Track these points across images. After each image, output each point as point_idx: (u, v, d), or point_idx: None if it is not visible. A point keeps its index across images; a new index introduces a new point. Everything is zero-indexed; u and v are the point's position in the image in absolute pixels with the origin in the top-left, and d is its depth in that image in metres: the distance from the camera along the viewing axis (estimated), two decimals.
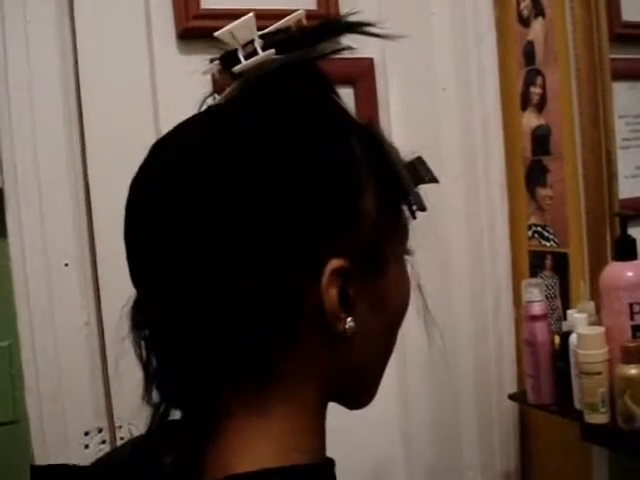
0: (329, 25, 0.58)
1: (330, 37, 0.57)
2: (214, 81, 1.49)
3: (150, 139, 1.51)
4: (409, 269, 0.61)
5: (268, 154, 0.54)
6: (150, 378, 0.60)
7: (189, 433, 0.58)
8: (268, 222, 0.53)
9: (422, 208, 0.59)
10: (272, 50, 0.56)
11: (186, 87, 1.51)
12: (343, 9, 1.58)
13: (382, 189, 0.57)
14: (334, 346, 0.56)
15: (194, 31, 1.50)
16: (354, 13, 0.57)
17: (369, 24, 0.57)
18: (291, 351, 0.56)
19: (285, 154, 0.54)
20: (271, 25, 1.59)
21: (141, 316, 0.60)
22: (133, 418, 1.46)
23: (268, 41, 0.57)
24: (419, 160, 0.60)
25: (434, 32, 1.73)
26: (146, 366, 0.59)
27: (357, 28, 0.57)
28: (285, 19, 0.57)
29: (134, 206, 0.59)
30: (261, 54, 0.56)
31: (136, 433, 1.47)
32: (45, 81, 1.43)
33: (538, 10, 1.64)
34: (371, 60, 1.64)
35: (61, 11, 1.43)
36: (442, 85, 1.74)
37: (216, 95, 0.58)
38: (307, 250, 0.54)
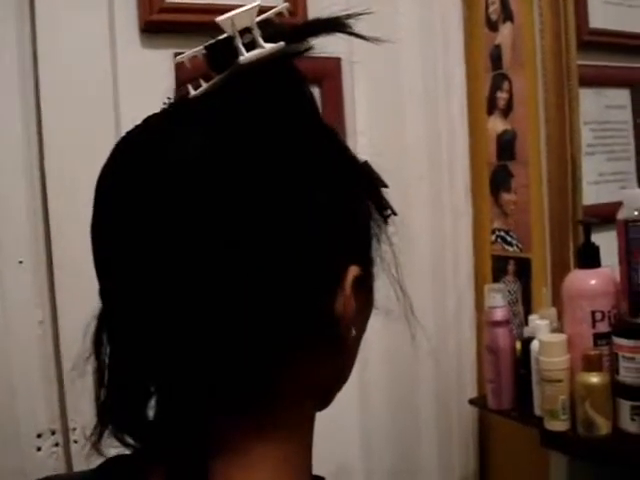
0: (323, 21, 0.55)
1: (322, 33, 0.55)
2: (177, 74, 1.48)
3: (110, 134, 1.49)
4: (393, 273, 0.59)
5: (277, 157, 0.51)
6: (112, 404, 0.55)
7: (173, 468, 0.52)
8: (285, 232, 0.50)
9: (394, 212, 0.57)
10: (282, 43, 0.53)
11: (148, 81, 1.50)
12: (311, 7, 1.56)
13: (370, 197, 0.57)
14: (333, 356, 0.55)
15: (158, 25, 1.47)
16: (348, 13, 0.56)
17: (346, 24, 0.55)
18: (295, 366, 0.53)
19: (294, 159, 0.52)
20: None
21: (111, 330, 0.54)
22: (88, 420, 1.43)
23: (267, 32, 0.54)
24: (367, 165, 0.58)
25: (401, 33, 1.72)
26: (111, 389, 0.55)
27: (347, 28, 0.55)
28: (273, 11, 0.54)
29: (112, 211, 0.53)
30: (270, 46, 0.52)
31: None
32: (3, 75, 1.38)
33: (507, 14, 1.64)
34: (338, 60, 1.63)
35: (21, 2, 1.39)
36: (408, 87, 1.73)
37: (190, 87, 0.54)
38: (328, 260, 0.52)
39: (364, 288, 0.55)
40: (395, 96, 1.72)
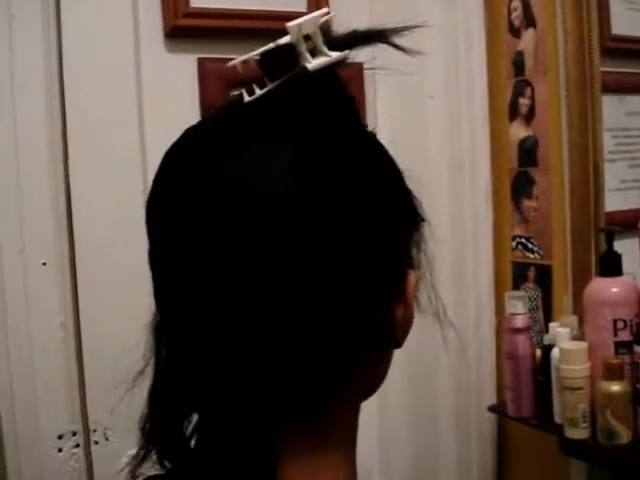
0: (373, 32, 0.55)
1: (371, 43, 0.55)
2: (201, 79, 1.49)
3: (135, 138, 1.50)
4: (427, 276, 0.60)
5: (355, 171, 0.52)
6: (161, 428, 0.55)
7: None
8: (364, 251, 0.51)
9: (424, 219, 0.58)
10: (346, 51, 0.53)
11: (172, 85, 1.51)
12: (334, 12, 1.56)
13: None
14: (386, 358, 0.57)
15: (182, 29, 1.49)
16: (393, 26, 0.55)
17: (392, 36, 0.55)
18: (356, 374, 0.53)
19: (368, 178, 0.53)
20: (261, 25, 1.56)
21: (173, 341, 0.54)
22: (108, 422, 1.44)
23: (332, 40, 0.53)
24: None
25: (424, 39, 1.72)
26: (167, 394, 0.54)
27: (392, 39, 0.55)
28: (319, 17, 0.53)
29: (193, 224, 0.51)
30: (336, 54, 0.52)
31: (111, 437, 1.45)
32: (28, 78, 1.39)
33: (529, 20, 1.64)
34: (360, 65, 1.62)
35: (47, 5, 1.40)
36: (430, 93, 1.73)
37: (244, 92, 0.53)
38: (397, 271, 0.54)
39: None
40: (417, 102, 1.72)
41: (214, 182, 0.50)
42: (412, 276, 0.55)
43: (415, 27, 0.55)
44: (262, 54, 0.53)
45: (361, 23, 0.57)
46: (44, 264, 1.40)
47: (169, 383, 0.55)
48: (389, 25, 0.55)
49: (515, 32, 1.68)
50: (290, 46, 0.51)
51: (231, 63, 0.56)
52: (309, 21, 0.52)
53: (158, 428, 0.55)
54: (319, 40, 0.52)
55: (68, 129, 1.42)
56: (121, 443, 1.45)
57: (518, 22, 1.67)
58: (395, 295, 0.54)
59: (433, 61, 1.71)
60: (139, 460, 0.55)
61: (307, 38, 0.52)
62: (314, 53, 0.52)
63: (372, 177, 0.53)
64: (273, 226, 0.48)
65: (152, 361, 0.57)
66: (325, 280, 0.49)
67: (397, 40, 0.55)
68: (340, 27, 0.56)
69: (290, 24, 0.51)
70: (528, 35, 1.65)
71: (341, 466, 0.54)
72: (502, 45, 1.72)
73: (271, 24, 1.52)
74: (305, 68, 0.51)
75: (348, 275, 0.49)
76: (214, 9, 1.49)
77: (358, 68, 1.63)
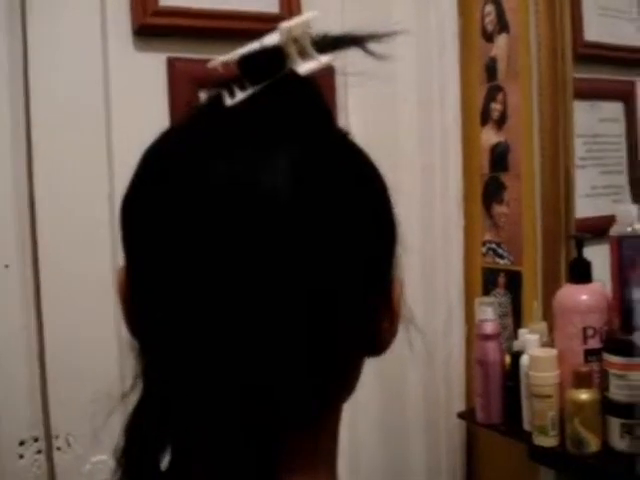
0: (352, 37, 0.54)
1: (349, 47, 0.54)
2: (170, 79, 1.46)
3: (101, 137, 1.47)
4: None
5: (349, 176, 0.52)
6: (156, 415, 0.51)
7: None
8: (363, 259, 0.51)
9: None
10: (331, 55, 0.52)
11: (140, 84, 1.49)
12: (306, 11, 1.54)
13: None
14: (359, 368, 0.56)
15: (151, 28, 1.46)
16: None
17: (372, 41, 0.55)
18: (349, 380, 0.55)
19: (363, 183, 0.53)
20: (232, 25, 1.54)
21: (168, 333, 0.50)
22: (71, 428, 1.41)
23: (320, 43, 0.53)
24: None
25: (397, 43, 1.70)
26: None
27: (372, 43, 0.55)
28: (309, 20, 0.52)
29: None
30: (324, 57, 0.52)
31: (73, 443, 1.42)
32: None
33: (502, 26, 1.63)
34: (331, 69, 1.61)
35: (12, 2, 1.37)
36: (403, 96, 1.71)
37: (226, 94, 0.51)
38: (381, 273, 0.53)
39: None
40: (389, 106, 1.70)
41: (204, 183, 0.48)
42: (397, 284, 0.55)
43: (393, 33, 0.55)
44: (245, 55, 0.51)
45: (333, 26, 0.56)
46: (6, 266, 1.37)
47: (151, 406, 0.51)
48: (366, 30, 0.54)
49: (488, 37, 1.68)
50: (276, 49, 0.50)
51: (211, 64, 0.54)
52: (299, 24, 0.51)
53: (136, 460, 0.51)
54: (307, 43, 0.51)
55: (32, 127, 1.39)
56: (84, 449, 1.42)
57: (491, 27, 1.67)
58: (382, 302, 0.54)
59: (406, 65, 1.70)
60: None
61: (294, 40, 0.51)
62: (302, 56, 0.51)
63: (363, 182, 0.53)
64: (267, 228, 0.47)
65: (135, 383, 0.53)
66: (314, 283, 0.48)
67: (373, 45, 0.54)
68: (313, 30, 0.55)
69: (282, 25, 0.50)
70: (501, 40, 1.64)
71: (332, 472, 0.55)
72: (475, 50, 1.71)
73: (242, 24, 1.51)
74: (294, 72, 0.50)
75: (338, 279, 0.49)
76: (184, 8, 1.46)
77: (329, 71, 1.62)
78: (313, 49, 0.51)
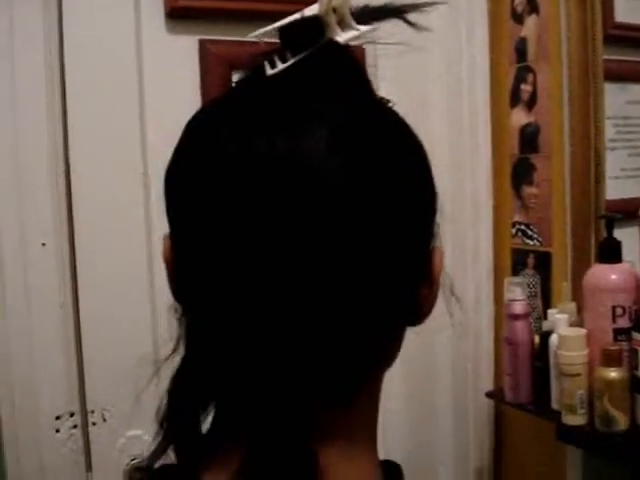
0: (396, 6, 0.55)
1: (393, 18, 0.55)
2: (202, 61, 1.48)
3: (135, 118, 1.50)
4: None
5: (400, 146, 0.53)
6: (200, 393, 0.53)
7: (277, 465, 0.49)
8: (405, 229, 0.51)
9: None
10: (372, 25, 0.53)
11: (173, 66, 1.50)
12: None
13: None
14: (400, 339, 0.56)
15: (183, 10, 1.48)
16: None
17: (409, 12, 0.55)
18: (390, 352, 0.55)
19: (404, 153, 0.53)
20: (262, 7, 1.56)
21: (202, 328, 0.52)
22: (106, 403, 1.44)
23: (359, 14, 0.53)
24: None
25: (427, 23, 1.71)
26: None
27: (411, 14, 0.55)
28: None
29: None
30: (364, 27, 0.52)
31: (109, 418, 1.45)
32: (29, 60, 1.38)
33: (532, 7, 1.63)
34: (362, 49, 1.62)
35: None
36: (432, 78, 1.72)
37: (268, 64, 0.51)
38: (423, 241, 0.54)
39: None
40: (420, 87, 1.71)
41: (247, 154, 0.48)
42: (437, 253, 0.55)
43: (432, 3, 0.55)
44: (285, 26, 0.51)
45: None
46: (43, 245, 1.40)
47: (194, 368, 0.53)
48: (404, 1, 0.54)
49: (518, 18, 1.67)
50: (316, 18, 0.51)
51: (252, 35, 0.55)
52: None
53: (179, 422, 0.53)
54: (346, 13, 0.52)
55: (68, 110, 1.41)
56: (119, 424, 1.46)
57: (521, 8, 1.66)
58: (423, 270, 0.54)
59: (435, 45, 1.71)
60: (158, 453, 0.54)
61: (334, 10, 0.51)
62: (342, 26, 0.51)
63: (405, 150, 0.53)
64: (321, 201, 0.47)
65: (178, 347, 0.55)
66: (356, 251, 0.48)
67: (412, 17, 0.55)
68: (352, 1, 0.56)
69: None
70: (531, 22, 1.64)
71: (372, 445, 0.55)
72: (505, 31, 1.71)
73: (273, 6, 1.51)
74: (335, 41, 0.51)
75: (380, 247, 0.49)
76: None
77: (360, 52, 1.63)
78: (352, 19, 0.52)
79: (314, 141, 0.48)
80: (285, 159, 0.47)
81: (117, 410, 1.45)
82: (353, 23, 0.52)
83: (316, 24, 0.51)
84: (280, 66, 0.50)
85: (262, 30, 0.53)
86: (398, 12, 0.54)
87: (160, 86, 1.48)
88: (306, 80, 0.51)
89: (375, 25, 0.53)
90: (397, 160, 0.51)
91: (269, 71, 0.51)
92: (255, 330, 0.48)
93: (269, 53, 0.51)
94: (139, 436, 1.47)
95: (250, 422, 0.49)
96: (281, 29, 0.52)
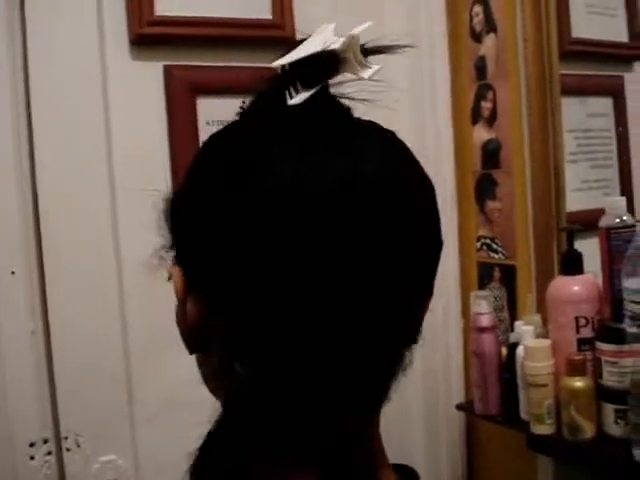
0: (382, 47, 0.59)
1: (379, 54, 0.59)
2: (167, 87, 1.50)
3: (101, 144, 1.50)
4: None
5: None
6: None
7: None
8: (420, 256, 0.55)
9: None
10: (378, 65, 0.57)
11: (138, 93, 1.52)
12: (298, 20, 1.58)
13: None
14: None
15: (148, 37, 1.50)
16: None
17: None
18: (398, 371, 0.59)
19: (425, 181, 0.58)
20: (226, 32, 1.58)
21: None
22: (79, 428, 1.44)
23: (367, 52, 0.57)
24: None
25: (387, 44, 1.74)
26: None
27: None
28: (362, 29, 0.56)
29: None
30: (377, 66, 0.57)
31: (83, 444, 1.45)
32: None
33: (490, 26, 1.67)
34: None
35: (11, 13, 1.40)
36: (394, 96, 1.75)
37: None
38: (430, 279, 0.58)
39: None
40: (381, 106, 1.73)
41: (313, 175, 0.50)
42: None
43: (406, 46, 0.60)
44: (305, 58, 0.53)
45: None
46: (13, 273, 1.40)
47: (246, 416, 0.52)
48: (386, 41, 0.59)
49: (477, 37, 1.71)
50: (335, 54, 0.53)
51: (274, 64, 0.55)
52: (358, 33, 0.55)
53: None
54: (358, 51, 0.55)
55: (35, 137, 1.42)
56: (92, 449, 1.46)
57: (479, 27, 1.70)
58: (429, 298, 0.59)
59: (397, 65, 1.74)
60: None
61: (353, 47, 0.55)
62: (358, 62, 0.55)
63: (424, 177, 0.58)
64: (377, 223, 0.51)
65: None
66: (398, 280, 0.52)
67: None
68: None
69: (349, 33, 0.54)
70: (489, 40, 1.68)
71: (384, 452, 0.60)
72: (464, 50, 1.75)
73: (236, 31, 1.54)
74: (360, 77, 0.55)
75: (411, 281, 0.54)
76: (179, 17, 1.50)
77: None
78: (363, 56, 0.55)
79: (369, 163, 0.52)
80: (348, 186, 0.50)
81: (91, 435, 1.45)
82: (364, 60, 0.55)
83: (334, 59, 0.53)
84: (299, 96, 0.53)
85: (282, 61, 0.54)
86: (383, 51, 0.58)
87: (126, 113, 1.49)
88: (335, 111, 0.55)
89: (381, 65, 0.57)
90: (422, 186, 0.57)
91: (291, 101, 0.53)
92: (310, 367, 0.51)
93: (281, 83, 0.53)
94: (113, 460, 1.48)
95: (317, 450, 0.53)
96: (301, 61, 0.53)
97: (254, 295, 0.50)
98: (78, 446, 1.45)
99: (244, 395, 0.51)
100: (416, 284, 0.55)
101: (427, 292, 0.58)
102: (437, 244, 0.57)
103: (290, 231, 0.49)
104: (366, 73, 0.55)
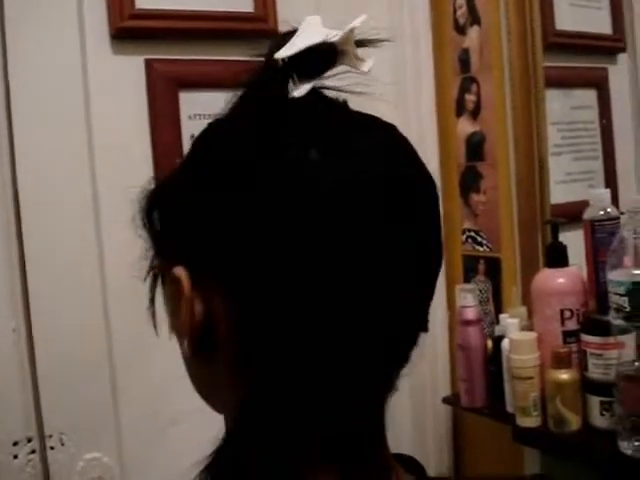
0: (367, 40, 0.59)
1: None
2: (149, 81, 1.48)
3: (82, 140, 1.48)
4: None
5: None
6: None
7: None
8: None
9: None
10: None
11: (120, 87, 1.51)
12: (281, 12, 1.57)
13: None
14: None
15: (128, 31, 1.48)
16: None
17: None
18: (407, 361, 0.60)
19: None
20: (207, 26, 1.56)
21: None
22: (63, 427, 1.43)
23: (359, 44, 0.58)
24: None
25: (371, 35, 1.73)
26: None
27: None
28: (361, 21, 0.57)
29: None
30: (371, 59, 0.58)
31: (67, 442, 1.44)
32: None
33: (474, 18, 1.66)
34: None
35: None
36: (379, 89, 1.74)
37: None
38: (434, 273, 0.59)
39: None
40: (365, 99, 1.73)
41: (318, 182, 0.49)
42: None
43: (387, 40, 0.60)
44: (305, 50, 0.53)
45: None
46: None
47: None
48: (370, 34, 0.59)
49: (460, 29, 1.71)
50: (334, 46, 0.54)
51: (278, 56, 0.54)
52: (357, 26, 0.56)
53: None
54: (354, 44, 0.56)
55: (14, 133, 1.40)
56: (77, 447, 1.45)
57: (463, 20, 1.70)
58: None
59: (380, 58, 1.73)
60: None
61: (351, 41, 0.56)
62: (355, 55, 0.57)
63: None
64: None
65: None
66: (423, 282, 0.57)
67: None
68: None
69: (349, 26, 0.55)
70: (473, 32, 1.67)
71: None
72: (448, 42, 1.74)
73: (217, 24, 1.53)
74: (361, 70, 0.57)
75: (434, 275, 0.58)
76: (160, 10, 1.49)
77: None
78: (353, 50, 0.56)
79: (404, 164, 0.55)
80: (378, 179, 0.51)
81: (75, 433, 1.44)
82: (359, 53, 0.56)
83: (334, 51, 0.54)
84: (301, 88, 0.53)
85: (287, 52, 0.53)
86: (370, 43, 0.59)
87: (107, 107, 1.48)
88: (336, 103, 0.56)
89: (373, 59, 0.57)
90: (432, 191, 0.59)
91: (293, 93, 0.52)
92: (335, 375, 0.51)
93: (279, 75, 0.53)
94: (98, 458, 1.47)
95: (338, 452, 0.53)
96: (301, 53, 0.53)
97: (272, 292, 0.49)
98: (62, 444, 1.44)
99: (264, 395, 0.50)
100: (422, 279, 0.56)
101: (431, 290, 0.59)
102: (439, 244, 0.58)
103: (305, 230, 0.48)
104: (364, 66, 0.56)
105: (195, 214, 0.53)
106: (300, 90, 0.52)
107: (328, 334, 0.50)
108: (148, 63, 1.51)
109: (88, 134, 1.46)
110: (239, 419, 0.51)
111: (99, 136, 1.46)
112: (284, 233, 0.48)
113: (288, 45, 0.53)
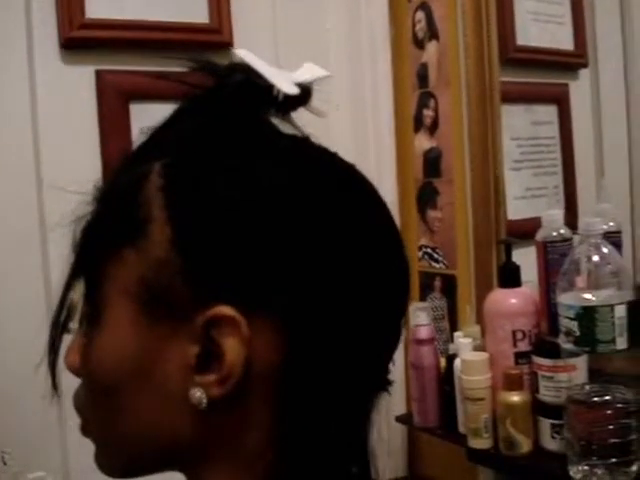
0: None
1: None
2: (99, 92, 1.45)
3: (29, 153, 1.45)
4: None
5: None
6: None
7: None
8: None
9: None
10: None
11: (69, 97, 1.47)
12: (236, 24, 1.55)
13: None
14: None
15: (78, 41, 1.46)
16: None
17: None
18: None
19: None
20: (160, 36, 1.53)
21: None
22: (5, 445, 1.40)
23: None
24: None
25: (329, 48, 1.72)
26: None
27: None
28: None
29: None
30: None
31: (9, 461, 1.40)
32: None
33: (433, 33, 1.65)
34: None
35: None
36: (336, 102, 1.72)
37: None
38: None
39: None
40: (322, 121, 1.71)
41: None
42: None
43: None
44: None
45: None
46: None
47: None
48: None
49: (419, 44, 1.69)
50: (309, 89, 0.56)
51: (290, 91, 0.55)
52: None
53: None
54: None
55: None
56: (20, 467, 1.41)
57: (422, 34, 1.68)
58: None
59: (338, 71, 1.71)
60: None
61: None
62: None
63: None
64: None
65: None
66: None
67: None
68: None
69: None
70: (432, 47, 1.66)
71: None
72: (406, 57, 1.73)
73: (171, 35, 1.51)
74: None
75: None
76: (111, 20, 1.46)
77: None
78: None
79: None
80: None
81: (17, 452, 1.40)
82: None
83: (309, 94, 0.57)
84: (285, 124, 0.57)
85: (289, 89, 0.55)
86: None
87: (56, 118, 1.45)
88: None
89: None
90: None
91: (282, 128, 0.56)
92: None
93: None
94: (42, 478, 1.43)
95: None
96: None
97: (326, 327, 0.51)
98: (5, 464, 1.40)
99: (309, 430, 0.52)
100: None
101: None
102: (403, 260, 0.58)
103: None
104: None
105: (247, 248, 0.49)
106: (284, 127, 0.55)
107: (352, 370, 0.53)
108: (99, 74, 1.48)
109: (35, 146, 1.43)
110: (288, 454, 0.52)
111: (47, 148, 1.43)
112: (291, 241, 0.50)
113: (283, 74, 0.55)
